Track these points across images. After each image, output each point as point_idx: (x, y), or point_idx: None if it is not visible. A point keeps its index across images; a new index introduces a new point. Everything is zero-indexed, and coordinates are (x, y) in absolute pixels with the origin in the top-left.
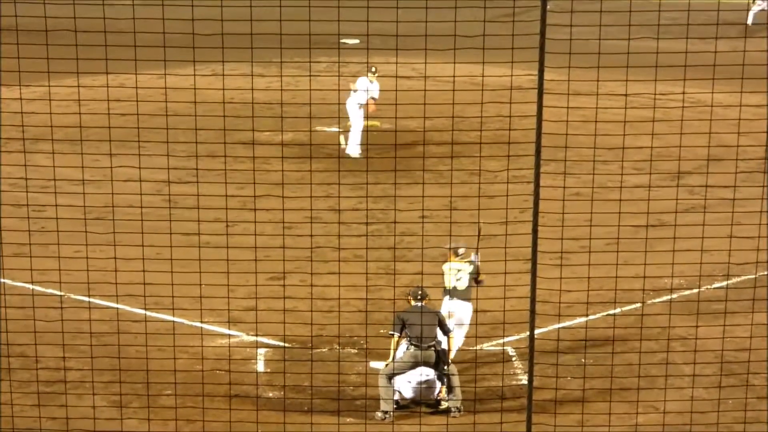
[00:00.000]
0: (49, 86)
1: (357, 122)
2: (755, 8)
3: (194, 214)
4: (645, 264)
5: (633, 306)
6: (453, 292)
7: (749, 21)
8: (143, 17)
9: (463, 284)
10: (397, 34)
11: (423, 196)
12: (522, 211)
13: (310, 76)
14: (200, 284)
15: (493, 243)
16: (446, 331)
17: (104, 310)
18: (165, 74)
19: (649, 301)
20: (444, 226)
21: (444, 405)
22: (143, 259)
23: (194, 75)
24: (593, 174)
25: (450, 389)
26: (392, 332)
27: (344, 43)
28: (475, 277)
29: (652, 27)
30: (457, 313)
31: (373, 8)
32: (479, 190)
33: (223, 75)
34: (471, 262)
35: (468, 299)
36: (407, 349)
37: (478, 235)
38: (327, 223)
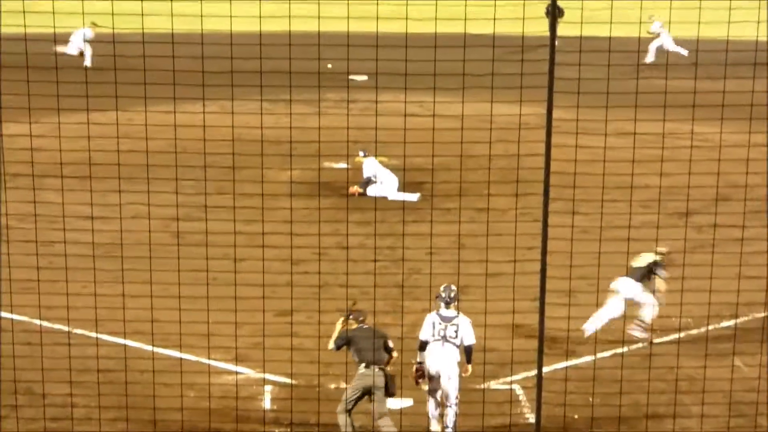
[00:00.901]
0: (59, 123)
1: (386, 181)
2: (654, 44)
3: (202, 250)
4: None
5: (641, 344)
6: (630, 271)
7: (649, 59)
8: (153, 54)
9: (641, 262)
10: (406, 72)
11: (431, 235)
12: (529, 249)
13: (319, 114)
14: (207, 321)
15: (501, 281)
16: (389, 351)
17: (111, 347)
18: (174, 112)
19: (657, 340)
20: (452, 263)
21: None
22: (151, 296)
23: (204, 113)
24: (601, 213)
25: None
26: (333, 347)
27: (352, 80)
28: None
29: (659, 65)
30: (626, 292)
31: (381, 47)
32: (487, 228)
33: (232, 113)
34: (658, 263)
35: (642, 284)
36: (358, 369)
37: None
38: (334, 261)
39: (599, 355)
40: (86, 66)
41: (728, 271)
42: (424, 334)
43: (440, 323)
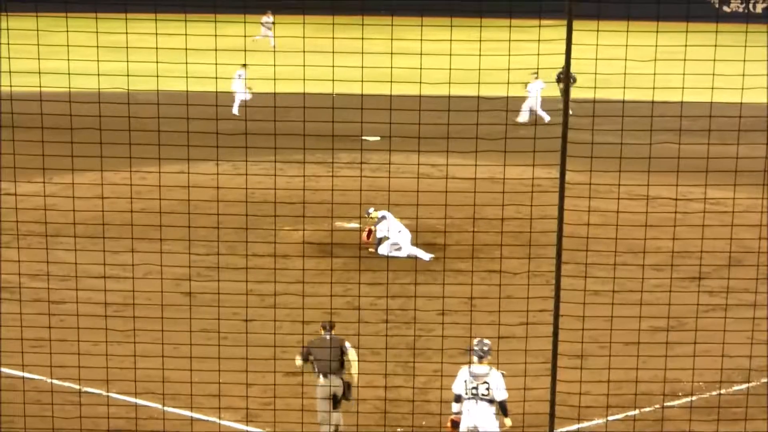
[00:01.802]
0: (72, 183)
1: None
2: (527, 104)
3: (213, 309)
4: (666, 368)
5: (652, 408)
6: None
7: (521, 119)
8: (168, 116)
9: None
10: (419, 135)
11: (443, 297)
12: (541, 311)
13: (332, 175)
14: (219, 381)
15: (513, 343)
16: (345, 359)
17: (121, 406)
18: (188, 173)
19: (668, 404)
20: (464, 325)
21: None
22: (162, 356)
23: (217, 174)
24: (614, 276)
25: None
26: (298, 361)
27: (365, 140)
28: None
29: (673, 129)
30: None
31: (395, 109)
32: (499, 290)
33: (246, 174)
34: None
35: None
36: (317, 379)
37: None
38: (345, 321)
39: (610, 418)
40: (234, 114)
41: (740, 336)
42: (457, 388)
43: (472, 381)
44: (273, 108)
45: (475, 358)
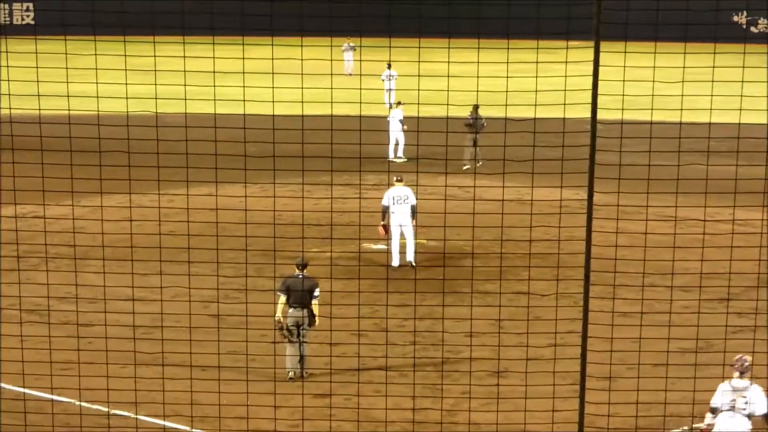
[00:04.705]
0: (101, 206)
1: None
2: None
3: (240, 331)
4: (694, 390)
5: (680, 430)
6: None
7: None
8: (196, 138)
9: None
10: (446, 157)
11: (471, 319)
12: (569, 333)
13: (360, 197)
14: (247, 404)
15: (541, 365)
16: (312, 297)
17: (150, 429)
18: (216, 195)
19: (697, 425)
20: (492, 346)
21: None
22: (191, 378)
23: (245, 197)
24: (642, 298)
25: (302, 357)
26: (279, 293)
27: (392, 162)
28: None
29: (701, 150)
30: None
31: (423, 132)
32: (528, 312)
33: (274, 196)
34: None
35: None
36: (289, 309)
37: None
38: (372, 342)
39: None
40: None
41: None
42: (715, 401)
43: (731, 393)
44: (301, 130)
45: (736, 373)
